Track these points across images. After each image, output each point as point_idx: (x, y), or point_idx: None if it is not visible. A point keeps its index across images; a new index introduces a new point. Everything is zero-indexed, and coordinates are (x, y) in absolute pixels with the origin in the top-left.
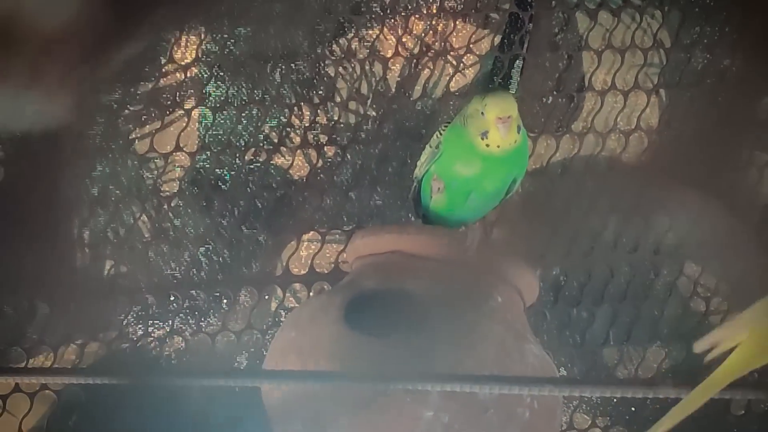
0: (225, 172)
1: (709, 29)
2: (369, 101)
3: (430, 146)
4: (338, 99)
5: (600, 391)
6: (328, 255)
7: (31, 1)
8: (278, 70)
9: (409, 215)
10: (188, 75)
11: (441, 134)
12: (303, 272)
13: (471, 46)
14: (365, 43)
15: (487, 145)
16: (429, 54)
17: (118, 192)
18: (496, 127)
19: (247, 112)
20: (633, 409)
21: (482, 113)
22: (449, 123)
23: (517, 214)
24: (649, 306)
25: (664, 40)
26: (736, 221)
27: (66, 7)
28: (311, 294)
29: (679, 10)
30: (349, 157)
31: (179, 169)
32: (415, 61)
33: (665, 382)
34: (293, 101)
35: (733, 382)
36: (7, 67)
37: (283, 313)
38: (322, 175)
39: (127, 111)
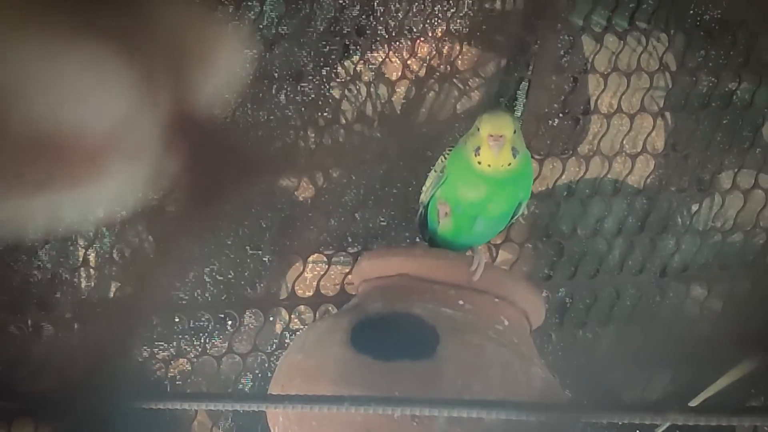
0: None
1: (714, 53)
2: (374, 123)
3: (435, 170)
4: (343, 121)
5: (607, 417)
6: (333, 277)
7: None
8: (283, 91)
9: (416, 237)
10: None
11: (445, 158)
12: (308, 294)
13: (477, 68)
14: (371, 66)
15: (479, 163)
16: (434, 77)
17: (123, 212)
18: (488, 144)
19: (252, 133)
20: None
21: (478, 129)
22: (453, 146)
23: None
24: (655, 328)
25: (669, 63)
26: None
27: (109, 118)
28: (317, 316)
29: (685, 34)
30: (354, 178)
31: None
32: (420, 83)
33: (672, 407)
34: (299, 123)
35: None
36: (51, 175)
37: (288, 336)
38: (327, 197)
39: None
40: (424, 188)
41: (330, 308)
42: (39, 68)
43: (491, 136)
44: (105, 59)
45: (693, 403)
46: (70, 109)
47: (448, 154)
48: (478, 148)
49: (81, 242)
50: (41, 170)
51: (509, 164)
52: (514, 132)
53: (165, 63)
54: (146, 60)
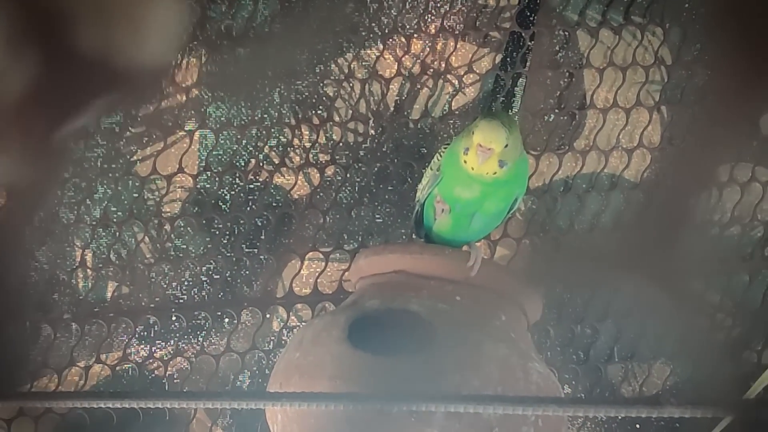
0: (226, 193)
1: (710, 46)
2: (369, 121)
3: (431, 169)
4: (338, 119)
5: (604, 411)
6: (330, 275)
7: None
8: (278, 90)
9: (412, 235)
10: (189, 96)
11: (441, 157)
12: (306, 292)
13: (472, 64)
14: (364, 63)
15: (465, 162)
16: (428, 73)
17: (120, 213)
18: (476, 152)
19: (247, 132)
20: (638, 426)
21: (472, 132)
22: (449, 144)
23: (520, 233)
24: (653, 322)
25: (665, 57)
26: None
27: (18, 78)
28: (314, 314)
29: (680, 28)
30: (349, 176)
31: (181, 190)
32: (414, 80)
33: (669, 400)
34: (293, 121)
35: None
36: None
37: (286, 333)
38: (322, 194)
39: (128, 133)
40: (420, 186)
41: (327, 305)
42: None
43: (480, 146)
44: (24, 20)
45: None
46: None
47: (443, 152)
48: (467, 149)
49: (78, 243)
50: None
51: (494, 173)
52: (506, 146)
53: (89, 22)
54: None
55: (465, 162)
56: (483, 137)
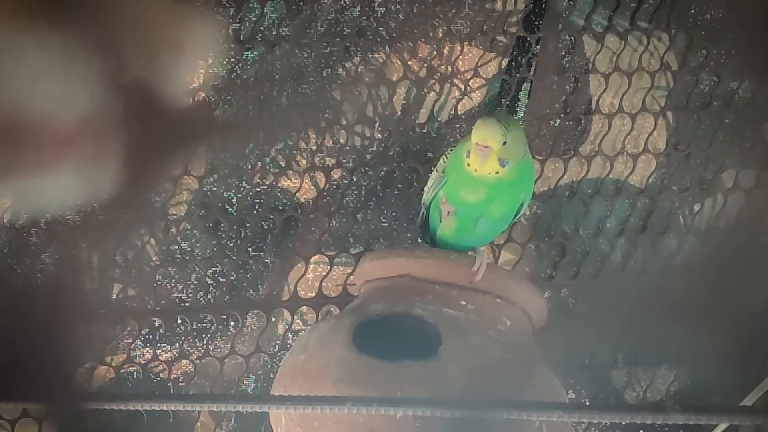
0: (232, 196)
1: (715, 52)
2: (375, 125)
3: (437, 171)
4: (344, 122)
5: (609, 417)
6: (335, 278)
7: (43, 102)
8: (285, 93)
9: (417, 238)
10: (196, 99)
11: (446, 159)
12: (311, 295)
13: (478, 69)
14: (371, 67)
15: (468, 165)
16: (435, 77)
17: (126, 215)
18: (474, 151)
19: (253, 135)
20: (641, 431)
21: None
22: (454, 147)
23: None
24: (657, 328)
25: (671, 62)
26: None
27: (77, 105)
28: (319, 317)
29: (686, 33)
30: (355, 179)
31: (187, 192)
32: (421, 84)
33: (673, 407)
34: (299, 124)
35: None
36: (19, 161)
37: (291, 337)
38: (328, 198)
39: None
40: (426, 188)
41: (332, 309)
42: (4, 57)
43: (478, 144)
44: (71, 49)
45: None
46: (37, 96)
47: (449, 154)
48: (469, 152)
49: (83, 244)
50: (9, 155)
51: (496, 172)
52: (504, 143)
53: (133, 53)
54: (113, 49)
55: (468, 164)
56: (479, 136)
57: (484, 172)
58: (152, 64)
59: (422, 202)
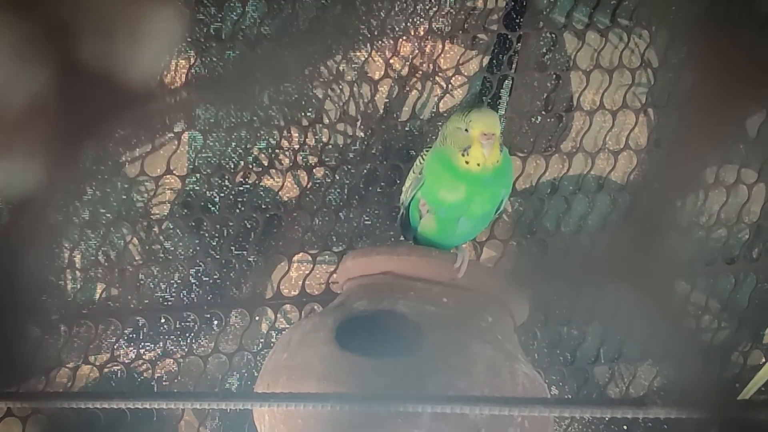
0: (215, 194)
1: (696, 49)
2: (357, 123)
3: (414, 172)
4: (327, 121)
5: (590, 411)
6: (318, 276)
7: None
8: (267, 92)
9: (399, 236)
10: (178, 98)
11: (423, 159)
12: (294, 293)
13: (459, 66)
14: (353, 65)
15: (467, 162)
16: (417, 75)
17: (108, 215)
18: (479, 143)
19: (236, 134)
20: (625, 427)
21: (465, 129)
22: (429, 148)
23: (506, 235)
24: (639, 324)
25: (651, 59)
26: None
27: (26, 90)
28: (302, 315)
29: (667, 30)
30: (338, 177)
31: (169, 191)
32: (403, 82)
33: (655, 402)
34: (282, 123)
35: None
36: None
37: (274, 335)
38: (311, 196)
39: (116, 134)
40: (404, 189)
41: (315, 307)
42: None
43: (484, 134)
44: (24, 31)
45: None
46: None
47: (425, 155)
48: (467, 149)
49: (66, 244)
50: None
51: (497, 161)
52: (501, 130)
53: (90, 38)
54: (69, 33)
55: (467, 163)
56: (484, 125)
57: (490, 162)
58: (109, 50)
59: (401, 202)
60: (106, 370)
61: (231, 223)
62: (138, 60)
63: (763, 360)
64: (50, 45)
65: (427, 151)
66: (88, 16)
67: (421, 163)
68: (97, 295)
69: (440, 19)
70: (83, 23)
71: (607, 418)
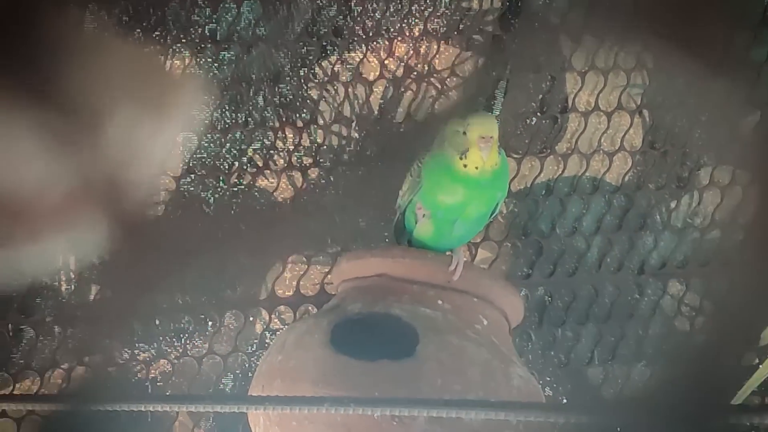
0: (209, 196)
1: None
2: (352, 124)
3: (411, 176)
4: (321, 122)
5: (584, 417)
6: (313, 277)
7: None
8: (261, 93)
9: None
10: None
11: (421, 163)
12: (288, 294)
13: (454, 68)
14: (348, 66)
15: (465, 166)
16: (412, 76)
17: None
18: (478, 146)
19: (231, 135)
20: (618, 429)
21: (464, 133)
22: (428, 150)
23: (501, 236)
24: (633, 325)
25: (647, 60)
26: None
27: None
28: (297, 317)
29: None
30: (333, 179)
31: (163, 192)
32: (398, 83)
33: (649, 406)
34: (277, 124)
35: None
36: (12, 231)
37: (269, 336)
38: (306, 197)
39: None
40: (400, 192)
41: (310, 308)
42: None
43: (482, 138)
44: (54, 131)
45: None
46: (27, 172)
47: (423, 159)
48: (465, 152)
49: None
50: (3, 227)
51: (495, 164)
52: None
53: (116, 129)
54: (91, 134)
55: (465, 166)
56: (483, 129)
57: (488, 165)
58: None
59: (396, 206)
60: (100, 371)
61: (225, 225)
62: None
63: (757, 362)
64: (79, 142)
65: (425, 154)
66: (107, 122)
67: (418, 166)
68: (92, 297)
69: (435, 20)
70: (104, 128)
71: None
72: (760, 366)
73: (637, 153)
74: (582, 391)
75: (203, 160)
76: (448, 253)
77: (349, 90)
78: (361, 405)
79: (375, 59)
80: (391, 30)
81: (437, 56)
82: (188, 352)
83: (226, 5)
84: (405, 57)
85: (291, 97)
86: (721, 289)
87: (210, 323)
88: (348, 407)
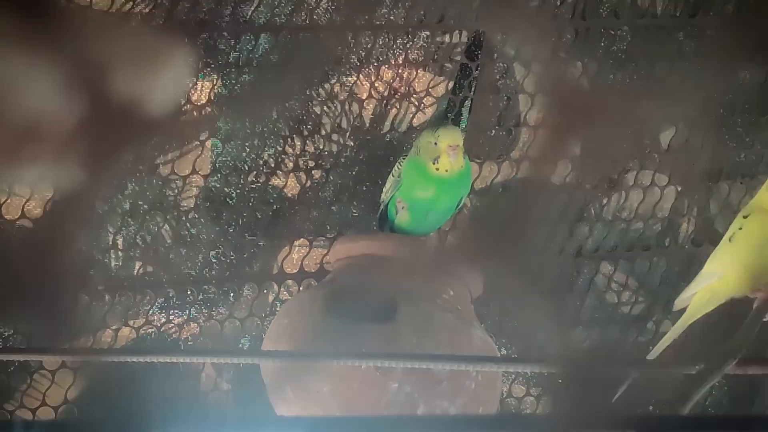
0: (232, 191)
1: (620, 77)
2: (348, 134)
3: (393, 175)
4: (323, 132)
5: (531, 368)
6: (314, 257)
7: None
8: (275, 108)
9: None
10: (203, 113)
11: (400, 165)
12: (294, 271)
13: (430, 89)
14: (345, 87)
15: (437, 169)
16: (396, 96)
17: (145, 206)
18: (447, 153)
19: (249, 142)
20: (560, 381)
21: (435, 143)
22: (406, 155)
23: (466, 225)
24: (572, 298)
25: (584, 84)
26: None
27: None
28: (300, 288)
29: (597, 62)
30: (331, 178)
31: (195, 188)
32: (384, 102)
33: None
34: (287, 133)
35: None
36: (36, 154)
37: (278, 304)
38: (310, 193)
39: (152, 141)
40: (384, 189)
41: (311, 282)
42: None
43: (450, 146)
44: (59, 65)
45: (652, 355)
46: (25, 100)
47: (402, 161)
48: (437, 158)
49: (110, 229)
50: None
51: (461, 166)
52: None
53: (115, 72)
54: (97, 67)
55: (437, 169)
56: (450, 139)
57: (455, 168)
58: (138, 81)
59: (381, 200)
60: (141, 331)
61: (244, 214)
62: (162, 88)
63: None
64: (92, 75)
65: (403, 158)
66: (114, 56)
67: (399, 168)
68: (135, 271)
69: (415, 51)
70: (117, 60)
71: (545, 374)
72: (672, 327)
73: (575, 159)
74: (530, 349)
75: (227, 162)
76: (422, 238)
77: (345, 107)
78: (351, 358)
79: (366, 82)
80: (380, 59)
81: (416, 80)
82: (213, 317)
83: (246, 37)
84: (390, 81)
85: (298, 112)
86: (643, 269)
87: (231, 294)
88: (340, 360)
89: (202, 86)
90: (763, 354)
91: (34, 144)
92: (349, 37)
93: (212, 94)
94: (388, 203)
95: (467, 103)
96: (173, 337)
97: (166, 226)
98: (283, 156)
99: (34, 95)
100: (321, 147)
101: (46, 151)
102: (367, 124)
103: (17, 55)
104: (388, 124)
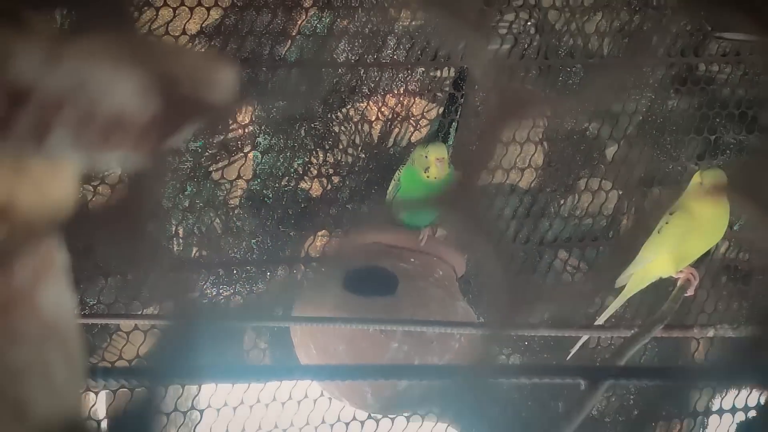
0: (269, 192)
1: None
2: (360, 148)
3: (395, 181)
4: (340, 146)
5: (503, 331)
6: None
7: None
8: (303, 128)
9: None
10: (246, 131)
11: (400, 173)
12: (317, 255)
13: (424, 114)
14: (357, 111)
15: (428, 176)
16: (398, 119)
17: (200, 204)
18: (435, 164)
19: (282, 154)
20: (526, 342)
21: (426, 156)
22: (404, 165)
23: (451, 220)
24: (535, 278)
25: (546, 112)
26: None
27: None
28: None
29: (557, 93)
30: (347, 183)
31: (240, 190)
32: (389, 123)
33: (545, 325)
34: (312, 148)
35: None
36: (120, 141)
37: (305, 281)
38: (330, 195)
39: (207, 153)
40: (388, 191)
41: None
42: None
43: (438, 159)
44: (137, 71)
45: (599, 321)
46: (111, 96)
47: (401, 171)
48: (428, 168)
49: (173, 222)
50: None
51: (446, 173)
52: (448, 154)
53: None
54: (163, 75)
55: (428, 176)
56: (438, 153)
57: (442, 175)
58: (195, 89)
59: (387, 199)
60: (197, 303)
61: (279, 211)
62: (216, 93)
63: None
64: (163, 83)
65: (401, 168)
66: (186, 67)
67: (398, 175)
68: (193, 254)
69: (413, 83)
70: (183, 72)
71: (514, 337)
72: (614, 301)
73: (539, 169)
74: (503, 317)
75: (265, 169)
76: (418, 229)
77: (358, 127)
78: (361, 323)
79: (375, 107)
80: (386, 88)
81: (414, 106)
82: (254, 291)
83: (279, 70)
84: (393, 106)
85: (321, 130)
86: (591, 255)
87: (268, 273)
88: (352, 324)
89: (246, 109)
90: (684, 321)
91: (119, 133)
92: (362, 72)
93: (254, 116)
94: (391, 202)
95: (454, 124)
96: (222, 307)
97: (217, 220)
98: (309, 165)
99: (120, 96)
100: (339, 158)
101: (127, 138)
102: (375, 141)
103: (109, 67)
104: (391, 140)
